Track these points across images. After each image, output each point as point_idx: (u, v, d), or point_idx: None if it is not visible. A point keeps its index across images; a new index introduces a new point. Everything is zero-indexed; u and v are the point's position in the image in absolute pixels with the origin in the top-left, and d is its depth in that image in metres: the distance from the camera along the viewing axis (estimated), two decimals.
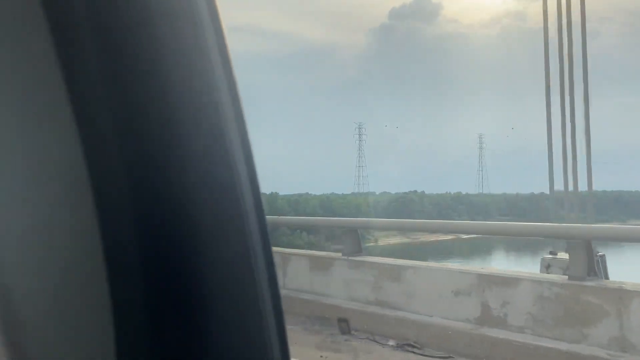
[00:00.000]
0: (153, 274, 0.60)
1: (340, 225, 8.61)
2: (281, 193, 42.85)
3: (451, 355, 5.74)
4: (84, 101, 0.59)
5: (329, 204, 41.71)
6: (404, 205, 44.64)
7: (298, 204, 41.85)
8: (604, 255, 8.04)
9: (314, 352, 5.91)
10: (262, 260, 0.64)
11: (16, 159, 0.60)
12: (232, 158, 0.64)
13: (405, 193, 46.62)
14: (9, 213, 0.60)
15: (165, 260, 0.60)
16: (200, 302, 0.61)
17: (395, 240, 39.08)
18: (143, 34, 0.61)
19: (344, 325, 6.61)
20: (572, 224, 8.93)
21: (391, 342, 6.18)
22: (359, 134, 71.12)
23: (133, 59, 0.60)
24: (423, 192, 47.60)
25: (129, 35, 0.60)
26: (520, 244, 41.80)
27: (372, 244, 39.08)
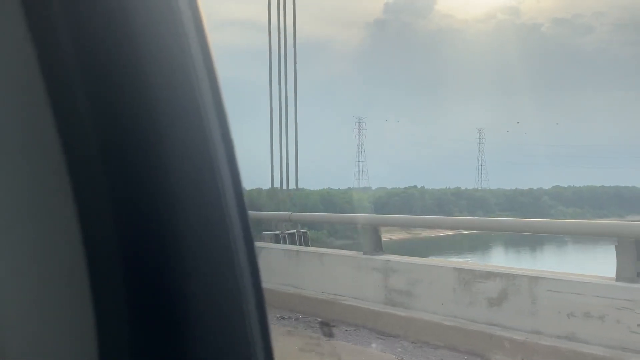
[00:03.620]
0: (135, 274, 0.58)
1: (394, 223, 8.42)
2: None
3: None
4: (63, 101, 0.57)
5: (329, 199, 41.84)
6: (405, 200, 44.81)
7: (298, 198, 42.11)
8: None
9: None
10: (245, 260, 0.63)
11: None
12: (214, 156, 0.62)
13: (406, 188, 46.85)
14: None
15: (147, 260, 0.58)
16: (182, 302, 0.59)
17: (397, 235, 39.22)
18: (123, 35, 0.58)
19: (326, 329, 6.70)
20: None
21: None
22: (359, 129, 70.99)
23: (112, 58, 0.58)
24: (423, 187, 47.87)
25: (109, 36, 0.58)
26: (519, 238, 42.08)
27: None
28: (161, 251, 0.59)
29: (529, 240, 43.22)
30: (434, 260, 6.66)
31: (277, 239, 9.93)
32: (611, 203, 49.93)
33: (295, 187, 12.91)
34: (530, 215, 43.99)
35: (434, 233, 41.07)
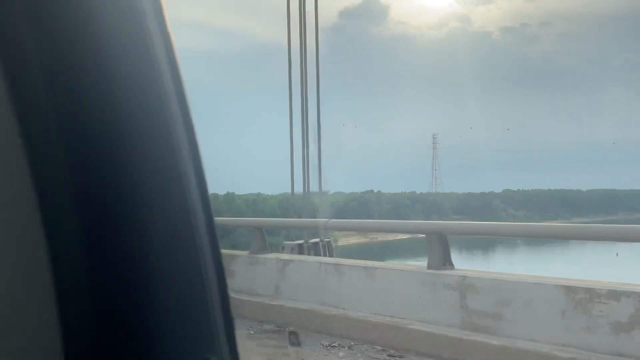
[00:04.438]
0: (100, 273, 0.58)
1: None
2: (237, 193, 41.64)
3: None
4: (26, 100, 0.56)
5: (286, 204, 41.06)
6: (363, 205, 44.53)
7: (256, 204, 41.01)
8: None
9: None
10: (210, 260, 0.64)
11: None
12: (180, 158, 0.62)
13: (363, 192, 46.50)
14: None
15: (112, 261, 0.58)
16: (148, 301, 0.59)
17: (354, 240, 38.78)
18: (87, 33, 0.58)
19: (294, 338, 6.32)
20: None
21: None
22: (318, 133, 70.33)
23: (76, 57, 0.57)
24: (380, 191, 47.68)
25: (73, 38, 0.57)
26: (472, 241, 42.62)
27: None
28: (127, 256, 0.58)
29: (482, 243, 43.91)
30: (531, 277, 5.72)
31: (300, 249, 8.87)
32: (558, 206, 51.46)
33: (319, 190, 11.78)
34: (483, 219, 44.65)
35: (390, 237, 40.93)
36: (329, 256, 9.09)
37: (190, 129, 0.63)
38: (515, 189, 56.23)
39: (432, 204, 48.90)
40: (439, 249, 6.25)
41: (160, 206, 0.59)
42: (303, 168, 10.88)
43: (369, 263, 7.16)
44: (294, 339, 6.35)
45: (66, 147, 0.56)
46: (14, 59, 0.55)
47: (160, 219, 0.59)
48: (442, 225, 7.47)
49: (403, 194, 48.61)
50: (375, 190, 47.57)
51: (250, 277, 7.73)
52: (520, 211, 50.93)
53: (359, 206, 45.30)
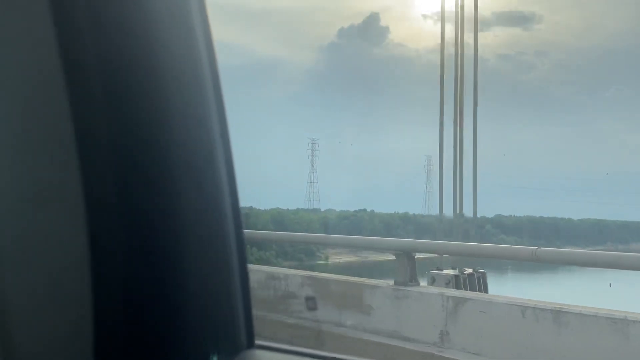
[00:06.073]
0: (136, 272, 0.61)
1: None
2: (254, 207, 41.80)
3: None
4: (82, 104, 0.59)
5: (280, 219, 41.10)
6: (355, 223, 44.64)
7: (248, 217, 41.04)
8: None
9: None
10: (236, 262, 0.69)
11: (11, 160, 0.58)
12: (216, 172, 0.66)
13: (355, 211, 46.60)
14: (3, 214, 0.58)
15: (146, 261, 0.62)
16: (177, 293, 0.63)
17: (345, 258, 38.82)
18: (141, 46, 0.62)
19: (311, 303, 6.47)
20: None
21: None
22: (312, 150, 70.69)
23: (131, 69, 0.61)
24: (373, 210, 47.81)
25: (128, 46, 0.60)
26: (464, 263, 42.69)
27: (322, 262, 38.68)
28: (161, 254, 0.62)
29: (474, 266, 43.89)
30: None
31: (457, 282, 7.56)
32: (549, 233, 51.61)
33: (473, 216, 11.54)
34: (474, 242, 44.70)
35: (381, 257, 41.01)
36: (484, 291, 7.69)
37: (227, 145, 0.68)
38: (507, 215, 56.47)
39: (423, 225, 49.06)
40: None
41: (197, 219, 0.63)
42: (454, 190, 10.37)
43: (619, 314, 4.90)
44: (312, 304, 6.26)
45: (116, 152, 0.59)
46: (74, 60, 0.57)
47: (195, 220, 0.63)
48: None
49: (396, 214, 48.78)
50: (368, 210, 47.75)
51: (397, 315, 5.88)
52: (512, 237, 51.07)
53: (350, 224, 45.39)
